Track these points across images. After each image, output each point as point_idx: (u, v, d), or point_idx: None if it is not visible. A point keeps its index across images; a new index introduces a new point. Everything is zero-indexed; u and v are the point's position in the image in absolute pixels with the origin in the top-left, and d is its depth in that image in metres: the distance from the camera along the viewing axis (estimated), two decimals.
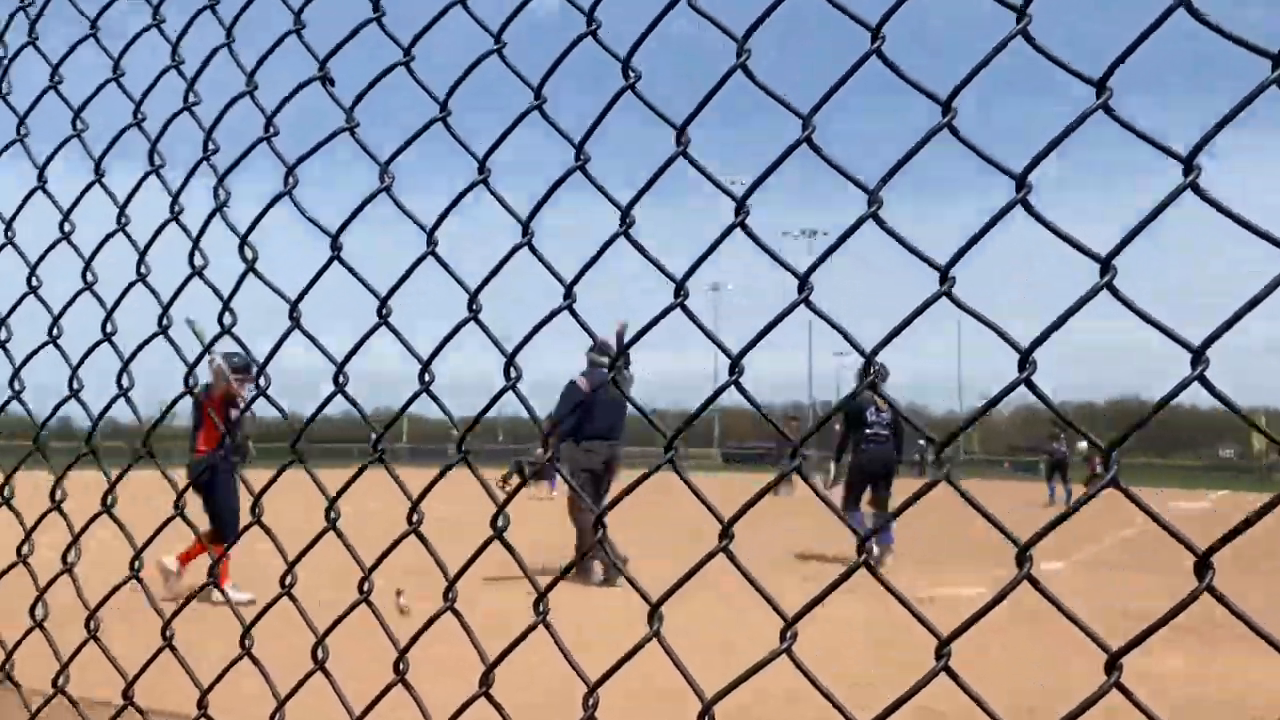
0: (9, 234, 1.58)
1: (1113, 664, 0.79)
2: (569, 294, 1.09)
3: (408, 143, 1.21)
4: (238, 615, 1.33)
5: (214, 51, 1.41)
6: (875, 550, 8.86)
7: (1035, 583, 0.85)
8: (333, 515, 1.22)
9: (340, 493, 1.26)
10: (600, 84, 1.12)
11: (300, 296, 1.26)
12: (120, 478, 1.47)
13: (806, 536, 10.86)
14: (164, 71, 1.48)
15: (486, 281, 1.14)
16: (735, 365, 0.99)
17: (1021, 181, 0.87)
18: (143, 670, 1.44)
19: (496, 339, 1.19)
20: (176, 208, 1.39)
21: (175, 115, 1.41)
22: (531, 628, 1.14)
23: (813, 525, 11.57)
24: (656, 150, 1.05)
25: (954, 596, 7.11)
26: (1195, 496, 24.53)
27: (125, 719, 1.43)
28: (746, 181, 1.00)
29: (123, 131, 1.48)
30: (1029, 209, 0.87)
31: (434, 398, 1.18)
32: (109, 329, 1.43)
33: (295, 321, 1.25)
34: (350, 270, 1.21)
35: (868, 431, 9.25)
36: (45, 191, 1.55)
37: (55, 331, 1.51)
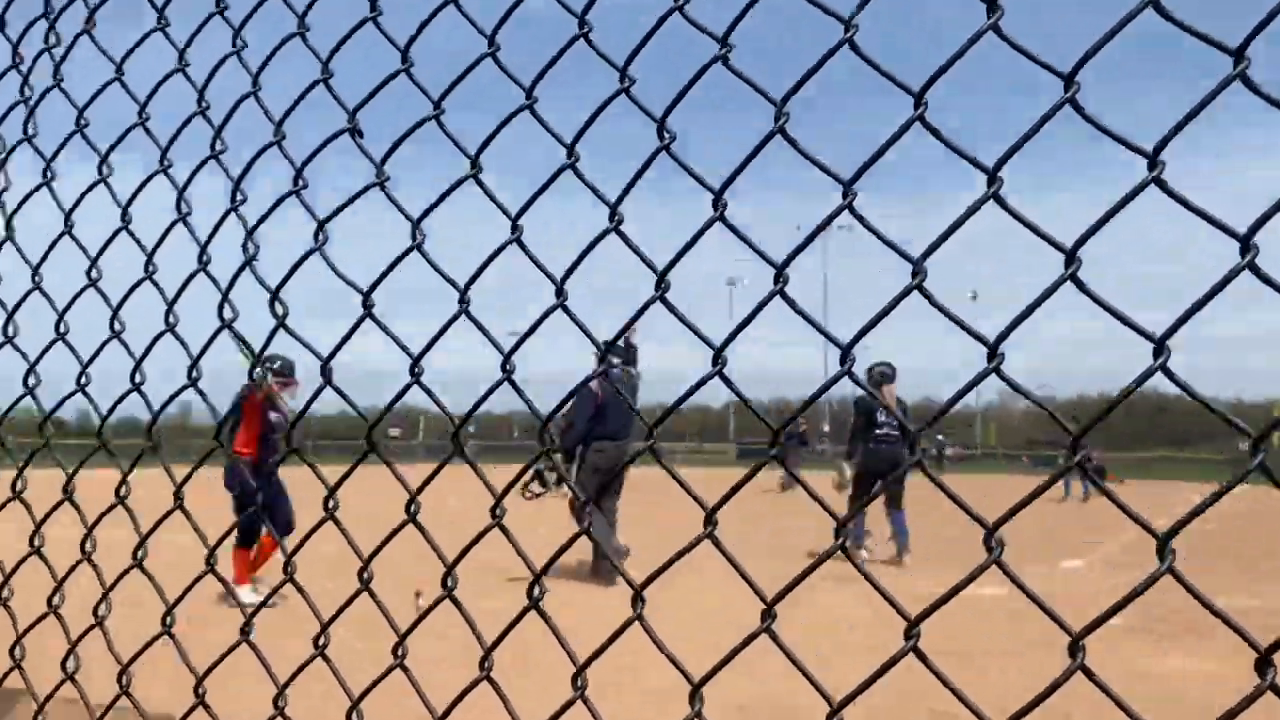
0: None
1: (1075, 646, 0.81)
2: (560, 291, 1.12)
3: (400, 140, 1.24)
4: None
5: (221, 57, 1.45)
6: (869, 543, 8.96)
7: (1004, 566, 0.87)
8: (412, 509, 1.21)
9: (338, 484, 1.29)
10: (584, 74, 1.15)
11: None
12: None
13: (821, 535, 10.86)
14: (170, 75, 1.51)
15: (475, 277, 1.17)
16: (718, 357, 1.01)
17: (993, 176, 0.89)
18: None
19: (492, 336, 1.21)
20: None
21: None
22: (524, 612, 1.17)
23: (828, 523, 11.53)
24: (640, 150, 1.08)
25: (975, 595, 7.10)
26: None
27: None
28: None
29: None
30: (1000, 202, 0.89)
31: (425, 388, 1.21)
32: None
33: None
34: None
35: (878, 432, 9.54)
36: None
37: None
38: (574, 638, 1.15)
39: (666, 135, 1.05)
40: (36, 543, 1.63)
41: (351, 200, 1.26)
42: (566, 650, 1.15)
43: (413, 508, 1.23)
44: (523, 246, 1.14)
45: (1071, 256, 0.84)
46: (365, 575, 1.27)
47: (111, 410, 1.58)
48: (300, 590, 1.34)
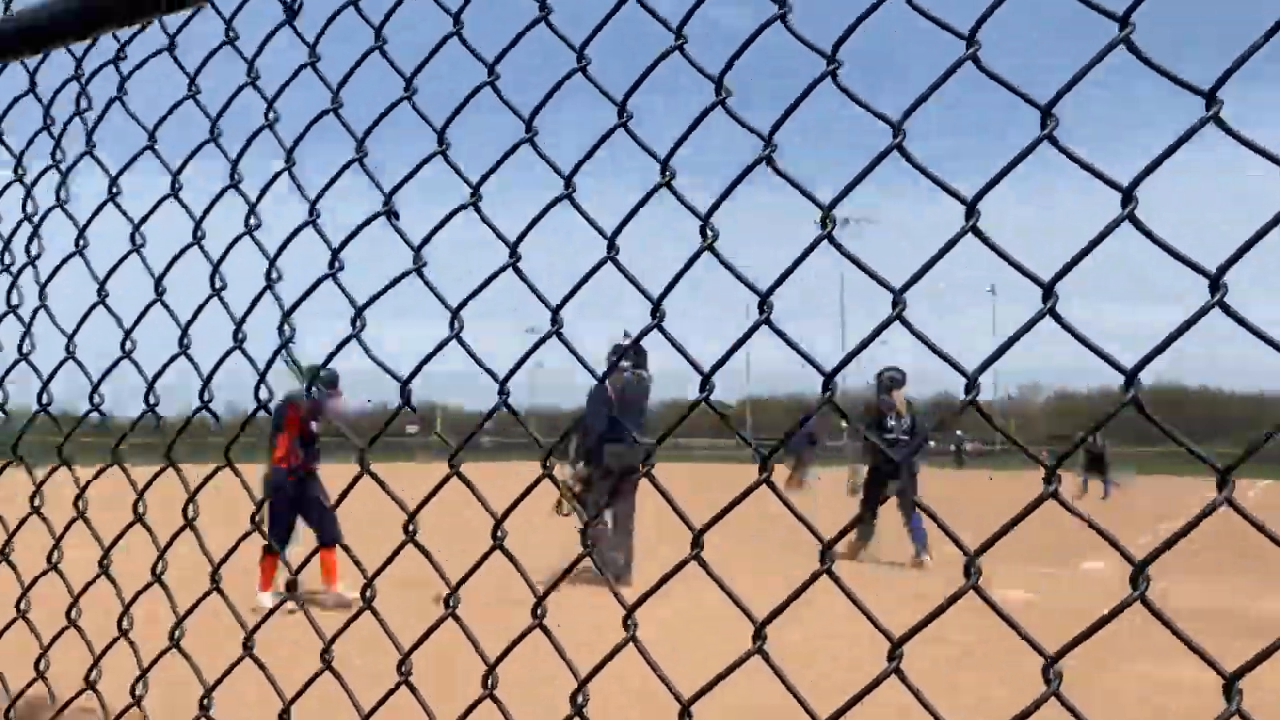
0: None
1: (1049, 668, 0.84)
2: (555, 319, 1.15)
3: (409, 177, 1.28)
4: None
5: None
6: (927, 555, 9.02)
7: (981, 592, 0.89)
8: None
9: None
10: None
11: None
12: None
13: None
14: (180, 102, 1.56)
15: (472, 296, 1.21)
16: (705, 384, 1.04)
17: (970, 209, 0.91)
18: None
19: (480, 359, 1.23)
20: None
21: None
22: (526, 631, 1.20)
23: (845, 518, 11.54)
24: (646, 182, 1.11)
25: (1003, 599, 7.08)
26: (1240, 486, 23.87)
27: None
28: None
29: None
30: (979, 235, 0.92)
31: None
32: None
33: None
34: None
35: (887, 436, 9.81)
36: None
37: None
38: (585, 648, 1.17)
39: (668, 173, 1.08)
40: (54, 559, 1.68)
41: (359, 228, 1.30)
42: (569, 664, 1.17)
43: (412, 527, 1.26)
44: (519, 273, 1.18)
45: (1049, 291, 0.86)
46: (368, 594, 1.31)
47: (133, 426, 1.61)
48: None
